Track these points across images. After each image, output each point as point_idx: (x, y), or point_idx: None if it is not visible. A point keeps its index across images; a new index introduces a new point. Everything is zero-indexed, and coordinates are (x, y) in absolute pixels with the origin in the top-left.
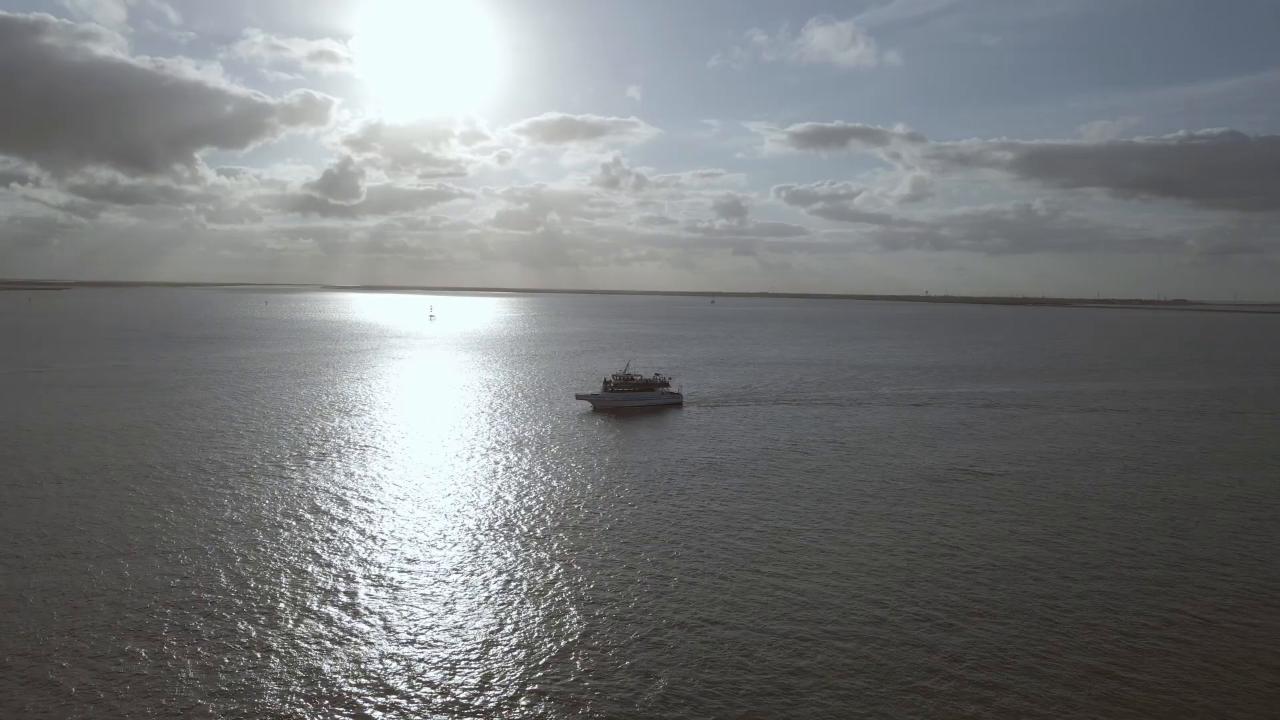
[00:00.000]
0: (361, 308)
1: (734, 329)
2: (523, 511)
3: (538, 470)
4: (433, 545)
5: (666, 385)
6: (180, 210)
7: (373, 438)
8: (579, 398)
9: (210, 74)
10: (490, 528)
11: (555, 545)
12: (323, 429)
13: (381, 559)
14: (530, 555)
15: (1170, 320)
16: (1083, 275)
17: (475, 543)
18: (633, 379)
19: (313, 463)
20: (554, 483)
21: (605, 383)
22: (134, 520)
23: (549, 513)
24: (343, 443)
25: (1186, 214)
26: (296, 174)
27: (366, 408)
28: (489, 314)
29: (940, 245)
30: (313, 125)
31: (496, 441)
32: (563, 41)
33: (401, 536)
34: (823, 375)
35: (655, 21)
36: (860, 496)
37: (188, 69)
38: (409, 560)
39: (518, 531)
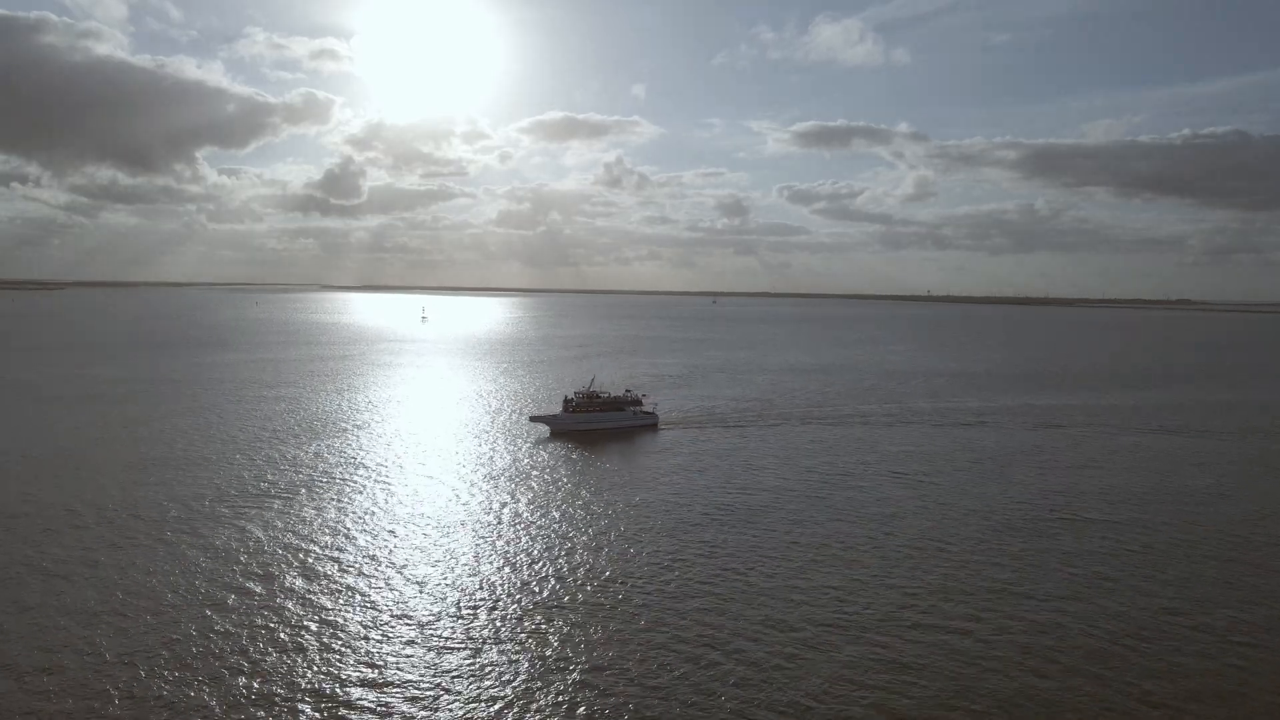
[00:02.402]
0: (356, 308)
1: (738, 331)
2: (475, 590)
3: (484, 517)
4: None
5: (639, 404)
6: (181, 210)
7: (302, 475)
8: (534, 420)
9: (211, 73)
10: (435, 614)
11: (522, 648)
12: (263, 460)
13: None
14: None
15: (1182, 320)
16: (1081, 275)
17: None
18: (598, 396)
19: (227, 513)
20: (514, 537)
21: (566, 401)
22: (22, 590)
23: (514, 590)
24: (266, 483)
25: (1189, 213)
26: (298, 173)
27: (314, 433)
28: (485, 315)
29: (942, 245)
30: (314, 124)
31: (427, 485)
32: (566, 38)
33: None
34: (844, 385)
35: (662, 17)
36: (949, 556)
37: (189, 68)
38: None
39: (474, 625)
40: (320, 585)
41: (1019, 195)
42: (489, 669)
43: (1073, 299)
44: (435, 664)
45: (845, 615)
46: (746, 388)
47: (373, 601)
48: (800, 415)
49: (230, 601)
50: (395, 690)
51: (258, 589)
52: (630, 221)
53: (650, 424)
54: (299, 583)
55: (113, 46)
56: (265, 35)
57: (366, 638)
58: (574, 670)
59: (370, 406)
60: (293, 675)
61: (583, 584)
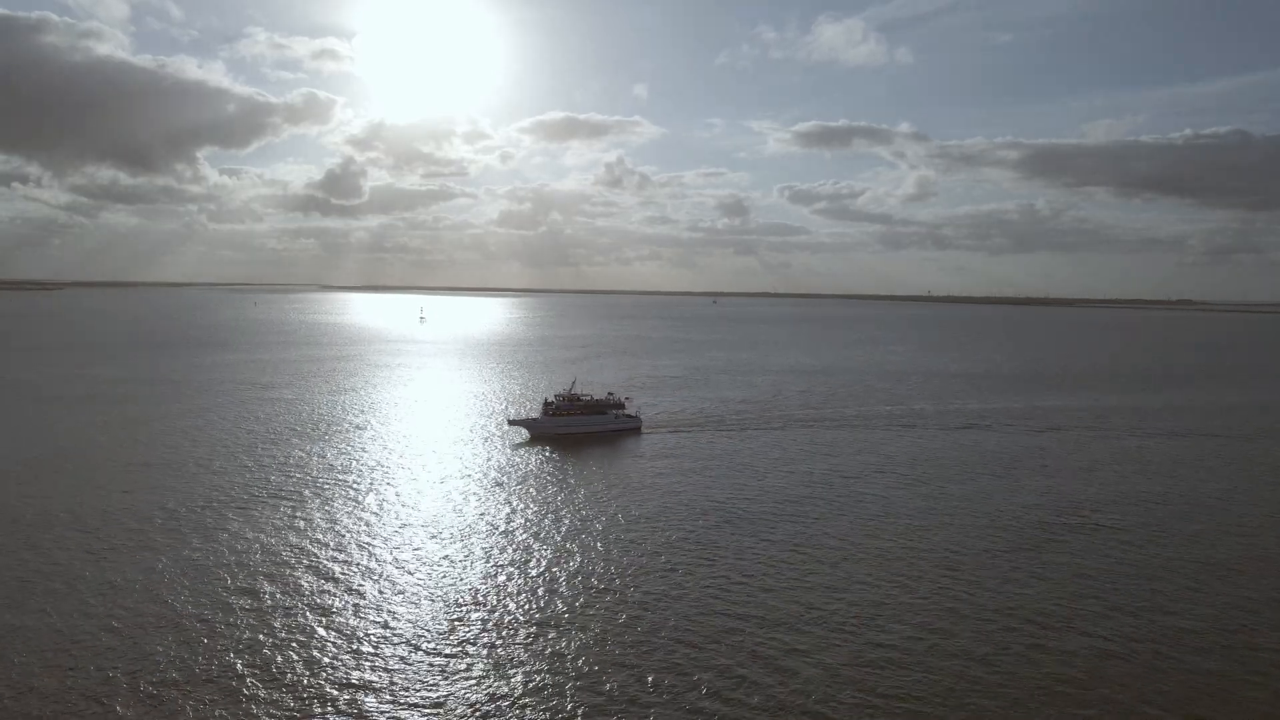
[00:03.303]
0: (355, 309)
1: (739, 331)
2: (464, 603)
3: (454, 526)
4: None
5: (621, 407)
6: (182, 210)
7: (291, 480)
8: (512, 423)
9: (212, 73)
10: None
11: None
12: (262, 462)
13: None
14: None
15: (1182, 321)
16: (1081, 275)
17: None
18: (579, 399)
19: (216, 519)
20: (491, 547)
21: (546, 404)
22: (20, 595)
23: (509, 603)
24: (266, 488)
25: (1189, 214)
26: (298, 174)
27: (304, 437)
28: (484, 316)
29: (942, 245)
30: (315, 124)
31: (396, 492)
32: (566, 38)
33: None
34: (844, 386)
35: (662, 17)
36: (966, 572)
37: (190, 68)
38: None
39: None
40: (312, 593)
41: (1019, 195)
42: (497, 685)
43: (1073, 299)
44: (439, 675)
45: (867, 641)
46: (744, 389)
47: (364, 611)
48: (799, 418)
49: (227, 607)
50: (394, 704)
51: (257, 594)
52: (631, 221)
53: (633, 428)
54: (293, 589)
55: (114, 46)
56: (266, 35)
57: (359, 647)
58: (584, 687)
59: (358, 409)
60: (297, 685)
61: (578, 595)
